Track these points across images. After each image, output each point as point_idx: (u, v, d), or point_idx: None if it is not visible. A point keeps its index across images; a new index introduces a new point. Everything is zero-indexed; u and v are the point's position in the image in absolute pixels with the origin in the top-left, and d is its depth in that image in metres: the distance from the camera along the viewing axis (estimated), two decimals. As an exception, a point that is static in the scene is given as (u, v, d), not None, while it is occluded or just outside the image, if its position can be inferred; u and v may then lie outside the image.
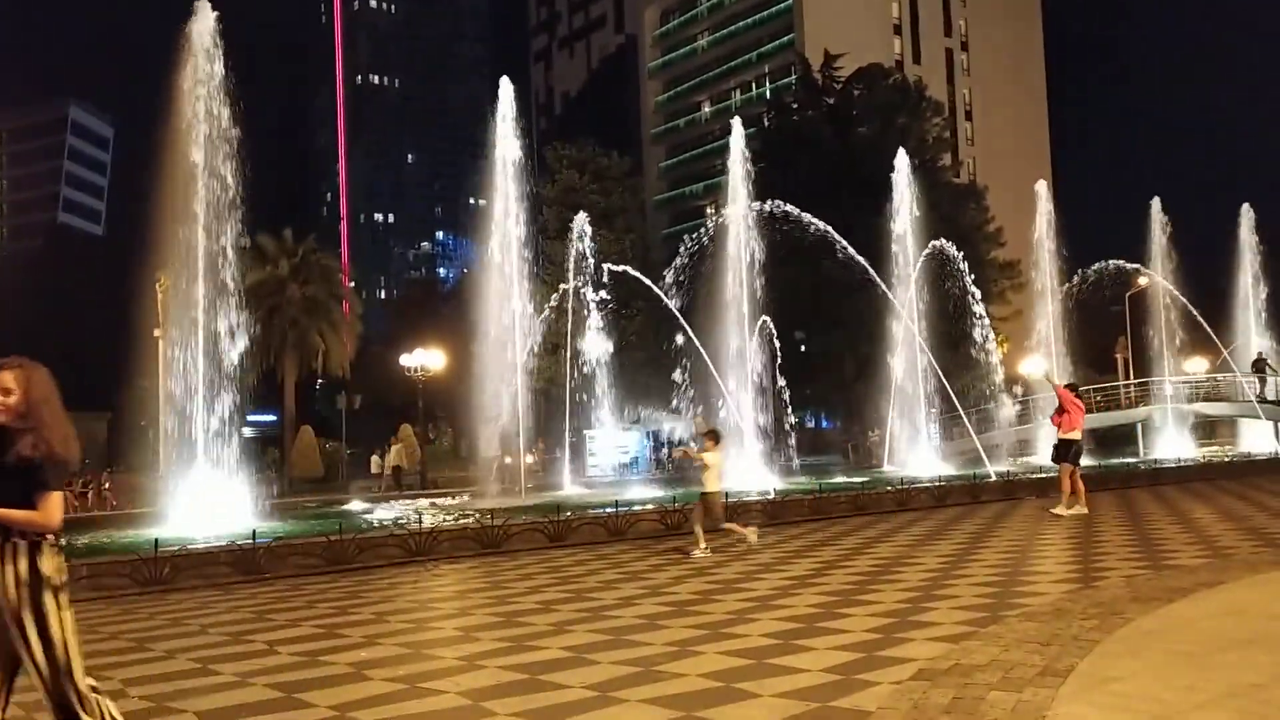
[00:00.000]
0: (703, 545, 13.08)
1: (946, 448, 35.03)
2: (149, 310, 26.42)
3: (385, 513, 21.53)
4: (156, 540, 13.49)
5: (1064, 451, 16.88)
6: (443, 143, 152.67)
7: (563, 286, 31.18)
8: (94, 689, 4.41)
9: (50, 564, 4.32)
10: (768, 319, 30.60)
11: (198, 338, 20.38)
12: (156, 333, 25.75)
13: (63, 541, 4.45)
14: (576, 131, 69.51)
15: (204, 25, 21.16)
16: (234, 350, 20.66)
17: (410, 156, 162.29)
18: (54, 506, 4.30)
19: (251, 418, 21.73)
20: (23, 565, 4.26)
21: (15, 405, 4.32)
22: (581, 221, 31.11)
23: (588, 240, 31.11)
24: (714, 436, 13.96)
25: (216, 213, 20.80)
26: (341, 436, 46.67)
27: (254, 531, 14.32)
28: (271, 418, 50.84)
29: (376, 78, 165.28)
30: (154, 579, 12.19)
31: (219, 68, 21.11)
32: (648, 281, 28.56)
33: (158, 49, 22.70)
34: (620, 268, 30.48)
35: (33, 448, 4.27)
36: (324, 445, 48.11)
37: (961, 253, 34.56)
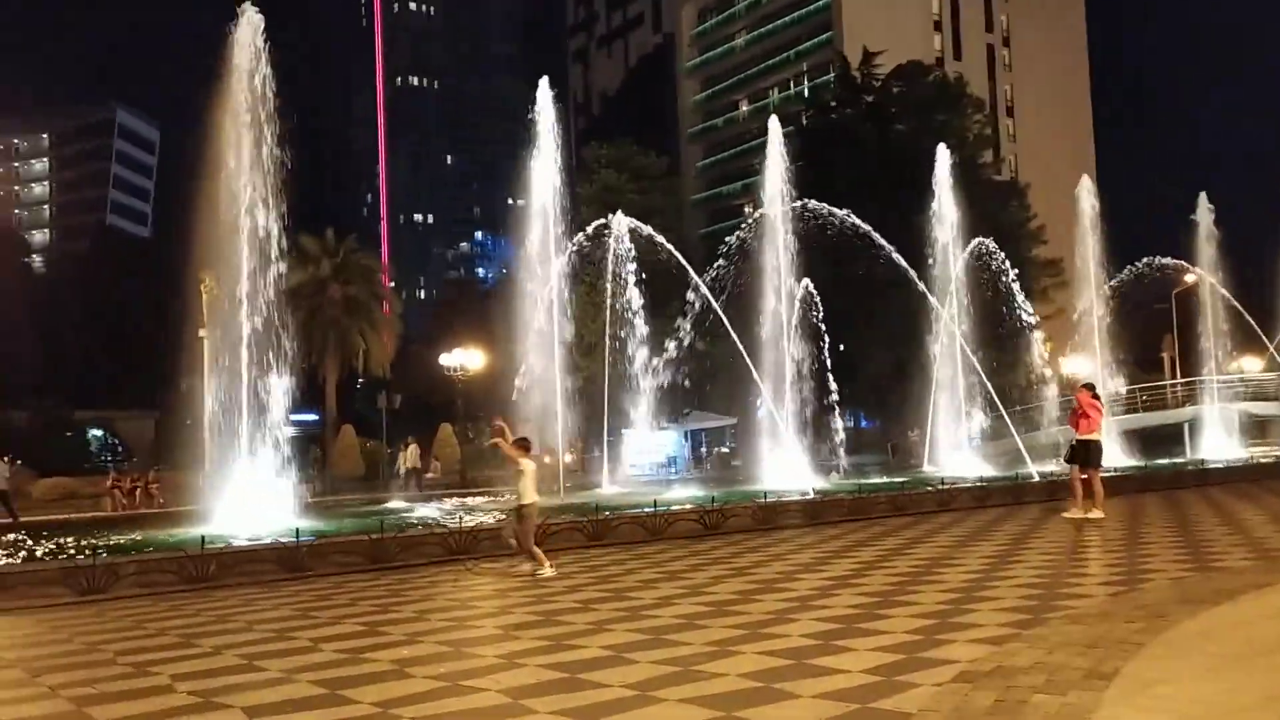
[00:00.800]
0: (548, 563, 11.96)
1: (988, 448, 34.69)
2: (194, 311, 26.77)
3: (425, 511, 21.69)
4: (202, 538, 13.69)
5: (1082, 453, 16.66)
6: (481, 143, 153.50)
7: (601, 223, 30.68)
8: None
9: None
10: (810, 288, 30.41)
11: (241, 338, 20.63)
12: (201, 333, 26.09)
13: None
14: (614, 131, 69.57)
15: (248, 29, 21.41)
16: (277, 350, 20.89)
17: (449, 157, 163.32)
18: None
19: (294, 417, 21.94)
20: None
21: None
22: (621, 219, 31.11)
23: (625, 239, 31.09)
24: (524, 445, 12.77)
25: (259, 214, 21.04)
26: (383, 436, 47.06)
27: (297, 530, 14.48)
28: (314, 417, 51.41)
29: (415, 79, 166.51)
30: (200, 576, 12.37)
31: (263, 71, 21.35)
32: (685, 264, 28.47)
33: (202, 52, 23.02)
34: (645, 230, 30.23)
35: None
36: (365, 444, 48.55)
37: (1003, 251, 34.20)
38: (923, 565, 11.67)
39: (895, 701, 5.73)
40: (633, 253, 31.02)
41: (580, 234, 30.04)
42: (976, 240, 33.89)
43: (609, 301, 31.60)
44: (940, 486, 21.48)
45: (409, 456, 34.54)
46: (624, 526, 16.25)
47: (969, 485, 22.01)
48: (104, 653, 8.43)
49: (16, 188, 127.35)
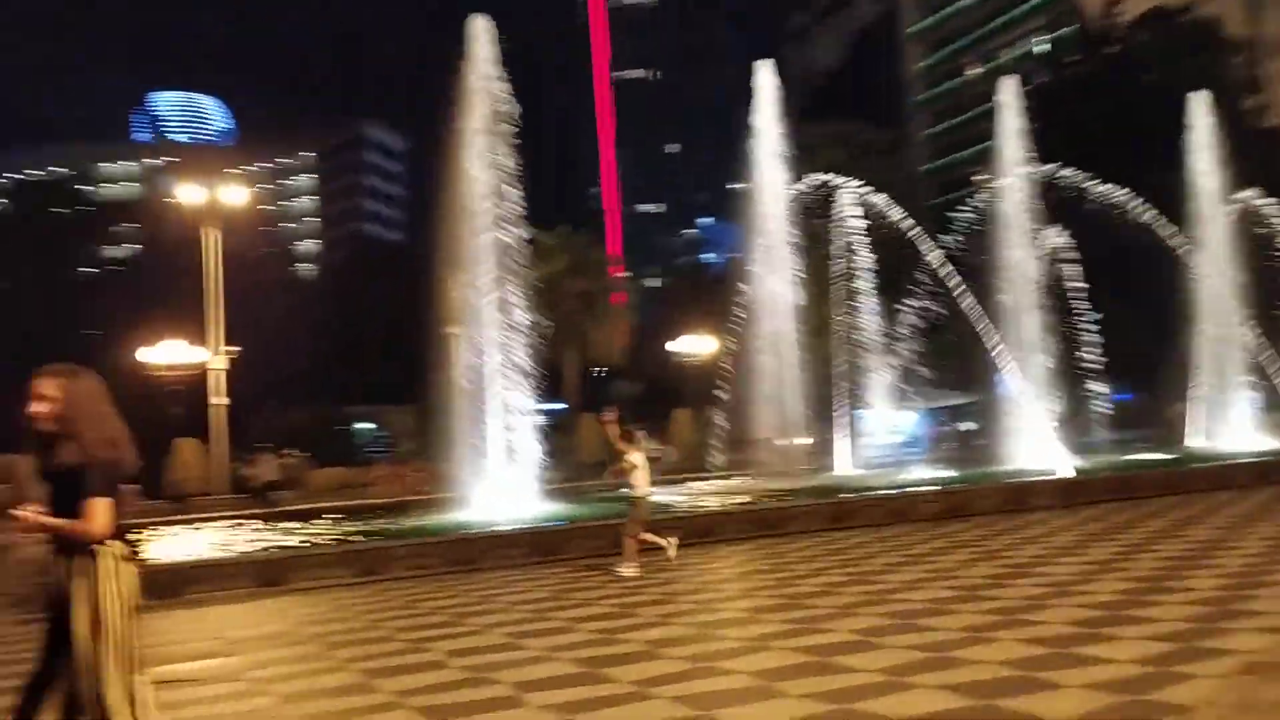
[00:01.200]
0: (634, 560, 11.75)
1: (1267, 420, 31.73)
2: (443, 308, 28.36)
3: (666, 496, 22.13)
4: (463, 523, 14.56)
5: None
6: (705, 129, 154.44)
7: (822, 179, 30.10)
8: (132, 702, 4.34)
9: (100, 572, 4.30)
10: (1057, 253, 28.86)
11: (486, 333, 21.76)
12: (449, 330, 27.60)
13: (118, 548, 4.38)
14: (836, 106, 68.34)
15: (478, 37, 22.45)
16: (519, 344, 21.91)
17: (673, 145, 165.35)
18: (98, 513, 4.26)
19: (539, 407, 22.91)
20: (78, 572, 4.29)
21: (55, 412, 4.37)
22: (848, 195, 30.50)
23: (852, 211, 30.44)
24: (630, 436, 12.48)
25: (498, 213, 22.09)
26: (620, 424, 48.38)
27: (547, 515, 15.15)
28: (556, 406, 53.51)
29: (636, 70, 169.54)
30: (462, 559, 13.18)
31: (494, 77, 22.34)
32: (916, 235, 27.62)
33: (440, 60, 24.31)
34: (877, 198, 29.44)
35: (73, 454, 4.31)
36: (604, 432, 50.03)
37: (1276, 205, 31.16)
38: (1196, 548, 10.88)
39: (1171, 694, 5.40)
40: (861, 225, 30.41)
41: (798, 185, 29.54)
42: (1242, 194, 31.02)
43: (838, 279, 31.10)
44: (1214, 463, 19.88)
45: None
46: (864, 509, 16.03)
47: (1246, 460, 20.25)
48: (384, 630, 9.17)
49: (285, 204, 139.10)
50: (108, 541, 4.32)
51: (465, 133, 22.22)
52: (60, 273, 65.79)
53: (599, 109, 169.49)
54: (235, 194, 32.55)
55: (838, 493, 18.53)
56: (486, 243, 21.79)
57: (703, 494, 21.96)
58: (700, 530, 14.69)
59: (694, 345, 42.89)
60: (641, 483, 11.98)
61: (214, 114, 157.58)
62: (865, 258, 30.40)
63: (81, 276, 67.63)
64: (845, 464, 28.69)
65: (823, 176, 30.27)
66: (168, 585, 11.98)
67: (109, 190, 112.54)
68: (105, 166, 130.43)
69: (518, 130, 22.61)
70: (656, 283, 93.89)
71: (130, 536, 4.45)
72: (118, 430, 4.42)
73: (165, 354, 35.42)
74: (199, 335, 32.27)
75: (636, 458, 12.06)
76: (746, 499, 19.42)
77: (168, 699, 6.91)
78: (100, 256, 72.20)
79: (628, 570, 11.54)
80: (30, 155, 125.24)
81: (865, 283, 30.37)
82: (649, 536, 12.01)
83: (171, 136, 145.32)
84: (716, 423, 30.39)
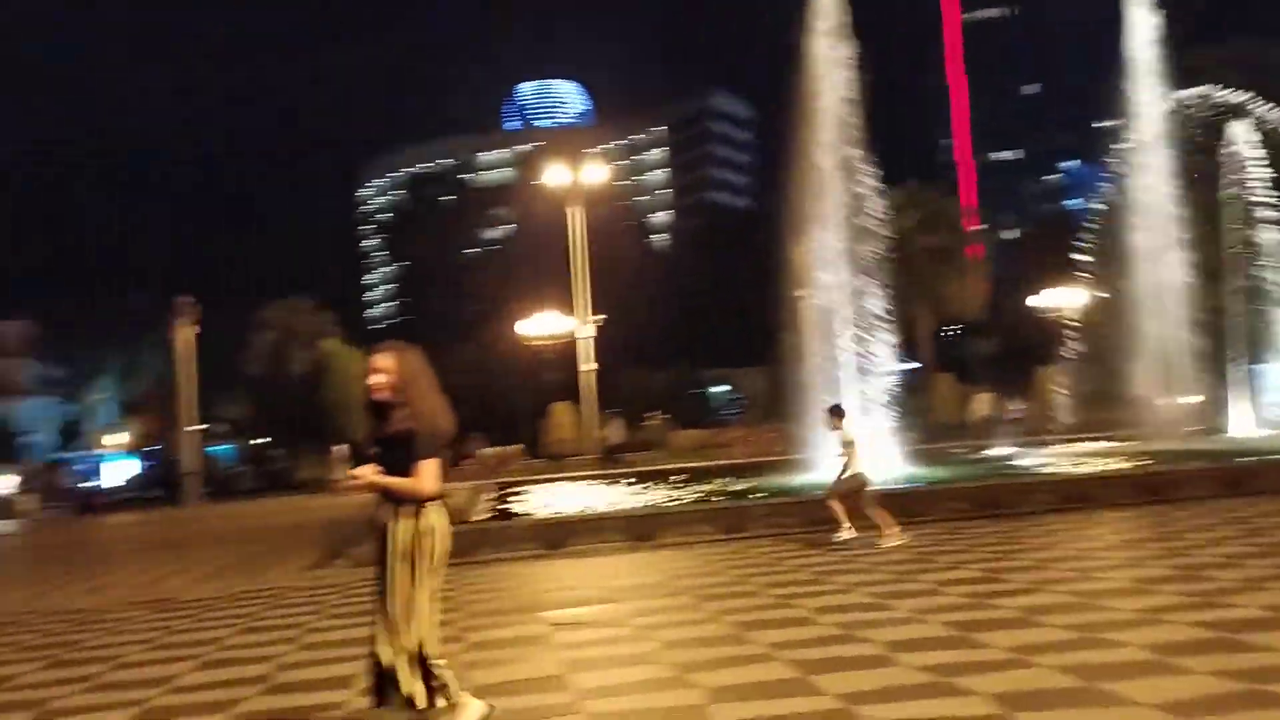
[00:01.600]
0: (895, 529, 11.39)
1: None
2: (794, 272, 28.45)
3: (1030, 459, 21.02)
4: (816, 484, 14.66)
5: None
6: (1067, 65, 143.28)
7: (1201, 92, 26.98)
8: (435, 663, 4.73)
9: (424, 530, 4.71)
10: None
11: (837, 295, 21.58)
12: (800, 292, 27.62)
13: (437, 513, 4.77)
14: (1228, 25, 60.54)
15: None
16: (872, 304, 21.55)
17: (1032, 87, 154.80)
18: (427, 474, 4.71)
19: (893, 367, 22.51)
20: (404, 527, 4.72)
21: (391, 383, 4.79)
22: (1241, 117, 27.14)
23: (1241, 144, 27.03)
24: (838, 413, 12.19)
25: (847, 174, 21.78)
26: (978, 382, 46.41)
27: (905, 477, 14.92)
28: (910, 366, 52.21)
29: (989, 12, 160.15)
30: (820, 519, 13.24)
31: (838, 33, 21.94)
32: None
33: (783, 21, 24.16)
34: None
35: (406, 420, 4.73)
36: (962, 391, 48.18)
37: None
38: None
39: None
40: (1259, 152, 26.99)
41: (1180, 94, 26.55)
42: None
43: (1233, 216, 27.80)
44: None
45: (982, 404, 34.51)
46: (1271, 473, 14.35)
47: None
48: (750, 585, 9.47)
49: (639, 179, 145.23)
50: (433, 501, 4.80)
51: (810, 93, 22.06)
52: (448, 254, 73.24)
53: (949, 56, 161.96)
54: (595, 173, 34.51)
55: (1235, 456, 16.71)
56: (836, 203, 21.59)
57: (1076, 456, 20.62)
58: (1076, 496, 13.86)
59: (1058, 298, 40.13)
60: (854, 461, 11.80)
61: (572, 98, 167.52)
62: (1265, 190, 26.97)
63: (465, 257, 74.86)
64: (1243, 424, 25.78)
65: (1207, 90, 27.15)
66: (554, 537, 13.09)
67: (486, 177, 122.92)
68: (482, 156, 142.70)
69: (864, 86, 22.13)
70: (1015, 234, 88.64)
71: (448, 499, 4.95)
72: (441, 402, 4.93)
73: (539, 325, 38.43)
74: (568, 306, 34.66)
75: (846, 436, 11.92)
76: (1126, 462, 18.00)
77: (565, 639, 7.58)
78: (481, 238, 79.50)
79: (889, 541, 11.23)
80: (418, 151, 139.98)
81: (1267, 219, 26.94)
82: (838, 509, 11.74)
83: (536, 123, 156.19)
84: (1062, 381, 28.33)
